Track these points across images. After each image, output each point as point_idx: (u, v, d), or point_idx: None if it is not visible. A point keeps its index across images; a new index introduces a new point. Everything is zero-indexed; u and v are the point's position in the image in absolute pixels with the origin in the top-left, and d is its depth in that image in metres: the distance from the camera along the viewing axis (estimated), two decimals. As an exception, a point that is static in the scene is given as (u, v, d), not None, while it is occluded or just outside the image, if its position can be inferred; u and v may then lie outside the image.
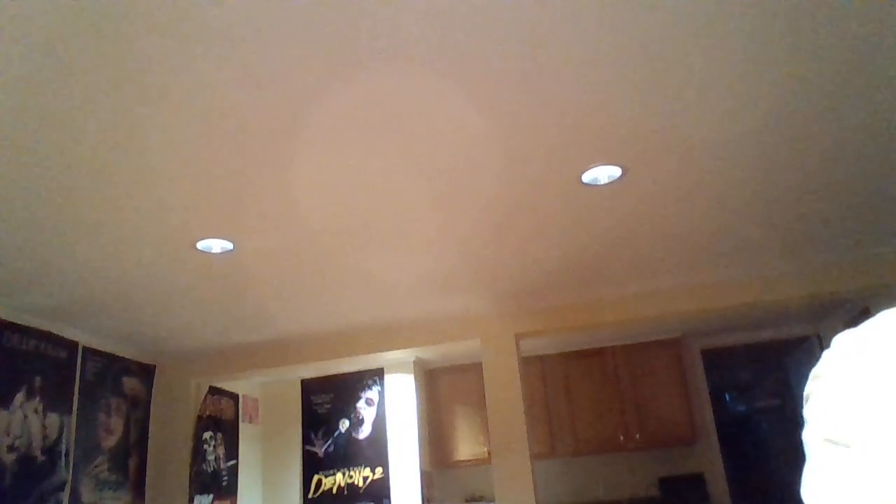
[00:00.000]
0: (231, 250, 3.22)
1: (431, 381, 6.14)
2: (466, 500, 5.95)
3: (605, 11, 1.84)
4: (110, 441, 4.46)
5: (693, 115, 2.41)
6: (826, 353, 0.57)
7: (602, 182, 2.87)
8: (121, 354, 4.66)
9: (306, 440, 5.93)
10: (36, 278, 3.35)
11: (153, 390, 4.99)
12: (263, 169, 2.52)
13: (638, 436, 5.70)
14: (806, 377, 0.58)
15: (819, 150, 2.76)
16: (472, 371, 5.90)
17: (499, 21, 1.84)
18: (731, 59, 2.10)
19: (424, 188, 2.80)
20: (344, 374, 5.90)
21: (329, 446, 5.85)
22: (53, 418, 3.96)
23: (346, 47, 1.90)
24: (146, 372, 4.94)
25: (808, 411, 0.56)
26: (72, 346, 4.20)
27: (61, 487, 3.96)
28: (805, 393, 0.57)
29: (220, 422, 5.45)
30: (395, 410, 5.75)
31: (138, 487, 4.70)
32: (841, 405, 0.52)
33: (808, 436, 0.55)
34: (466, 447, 5.89)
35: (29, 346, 3.85)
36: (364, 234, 3.21)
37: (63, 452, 4.00)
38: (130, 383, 4.75)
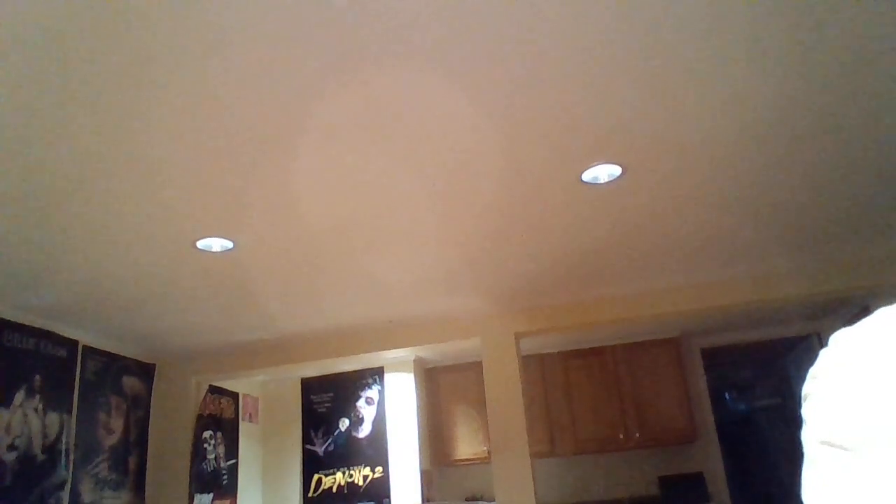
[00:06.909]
0: (231, 249, 3.22)
1: (431, 380, 6.14)
2: (466, 499, 5.95)
3: (604, 11, 1.84)
4: (110, 440, 4.46)
5: (693, 114, 2.41)
6: (823, 352, 0.57)
7: (602, 181, 2.87)
8: (121, 353, 4.67)
9: (306, 439, 5.94)
10: (35, 277, 3.35)
11: (153, 389, 4.99)
12: (264, 168, 2.52)
13: (637, 434, 5.70)
14: (806, 376, 0.58)
15: (819, 149, 2.76)
16: (471, 370, 5.90)
17: (499, 21, 1.84)
18: (730, 58, 2.10)
19: (424, 187, 2.80)
20: (344, 373, 5.90)
21: (329, 445, 5.85)
22: (53, 417, 3.96)
23: (347, 47, 1.90)
24: (146, 371, 4.94)
25: (806, 411, 0.56)
26: (72, 344, 4.20)
27: (61, 486, 3.96)
28: (803, 392, 0.57)
29: (220, 421, 5.45)
30: (394, 409, 5.76)
31: (138, 486, 4.71)
32: (838, 407, 0.52)
33: (806, 437, 0.55)
34: (466, 446, 5.89)
35: (29, 344, 3.85)
36: (364, 233, 3.21)
37: (63, 451, 4.00)
38: (130, 382, 4.75)
